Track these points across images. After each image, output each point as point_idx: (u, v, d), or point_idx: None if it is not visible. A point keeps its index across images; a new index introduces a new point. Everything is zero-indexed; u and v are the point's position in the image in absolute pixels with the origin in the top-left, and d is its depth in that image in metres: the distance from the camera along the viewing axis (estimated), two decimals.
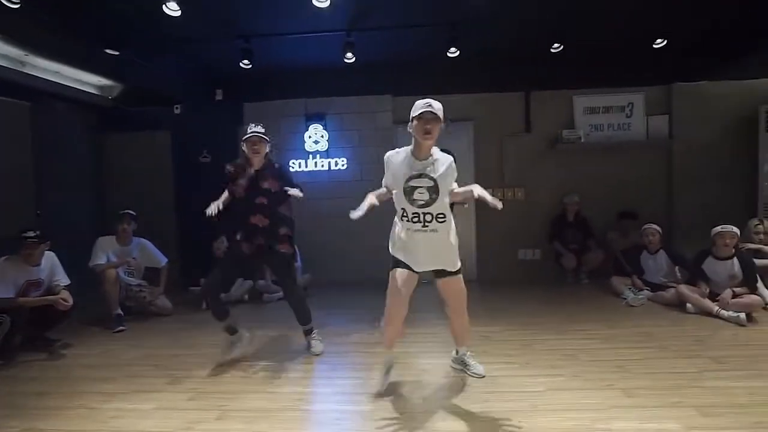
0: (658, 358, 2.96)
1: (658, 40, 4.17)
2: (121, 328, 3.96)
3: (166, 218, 5.59)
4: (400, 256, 2.47)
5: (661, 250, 4.40)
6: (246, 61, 4.35)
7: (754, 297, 3.65)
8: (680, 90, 5.32)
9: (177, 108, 5.57)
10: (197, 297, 4.68)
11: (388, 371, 2.67)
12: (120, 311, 4.08)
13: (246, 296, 4.91)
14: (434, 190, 2.30)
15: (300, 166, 5.52)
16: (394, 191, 2.42)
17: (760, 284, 3.87)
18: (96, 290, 4.12)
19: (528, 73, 5.26)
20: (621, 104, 5.39)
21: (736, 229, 3.85)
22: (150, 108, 5.59)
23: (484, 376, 2.70)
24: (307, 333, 3.34)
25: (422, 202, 2.31)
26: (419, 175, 2.31)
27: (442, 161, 2.36)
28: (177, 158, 5.65)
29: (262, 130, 3.00)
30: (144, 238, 4.53)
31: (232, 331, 3.23)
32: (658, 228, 4.43)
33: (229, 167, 3.15)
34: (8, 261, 3.38)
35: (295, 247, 5.10)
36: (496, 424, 2.22)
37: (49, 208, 4.86)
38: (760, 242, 4.14)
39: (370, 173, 5.45)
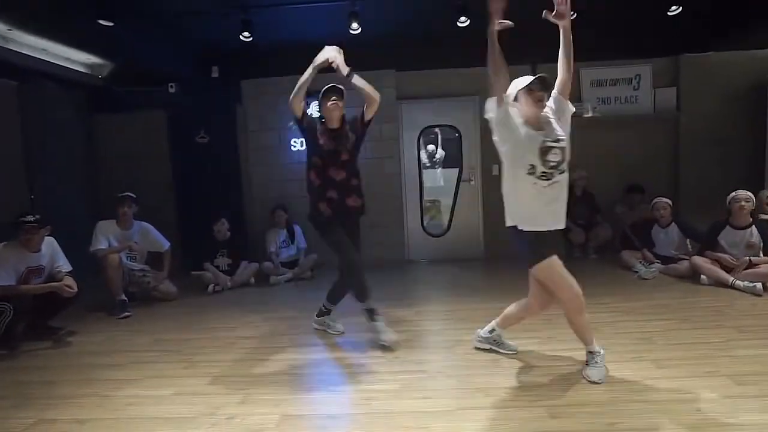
0: (681, 329, 2.94)
1: (673, 7, 4.05)
2: (126, 314, 3.83)
3: (164, 201, 5.41)
4: (536, 221, 2.27)
5: (673, 223, 4.37)
6: (246, 33, 4.15)
7: None
8: (687, 61, 5.24)
9: (172, 87, 5.35)
10: (199, 280, 4.57)
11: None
12: (124, 297, 3.95)
13: (252, 279, 4.81)
14: (564, 151, 2.23)
15: (302, 145, 5.35)
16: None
17: None
18: (96, 276, 3.97)
19: (534, 45, 5.10)
20: (628, 76, 5.30)
21: (749, 193, 3.82)
22: (143, 87, 5.35)
23: (516, 351, 2.66)
24: (371, 315, 2.96)
25: (554, 164, 2.21)
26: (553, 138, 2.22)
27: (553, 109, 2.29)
28: (173, 139, 5.45)
29: (339, 94, 2.93)
30: (145, 221, 4.38)
31: (372, 315, 2.93)
32: (669, 201, 4.40)
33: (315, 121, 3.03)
34: (7, 247, 3.22)
35: (298, 226, 5.05)
36: (532, 398, 2.17)
37: (41, 192, 4.65)
38: None
39: (374, 151, 5.32)
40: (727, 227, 3.89)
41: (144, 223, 4.31)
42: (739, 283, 3.63)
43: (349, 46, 4.94)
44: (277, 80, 5.35)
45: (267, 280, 4.77)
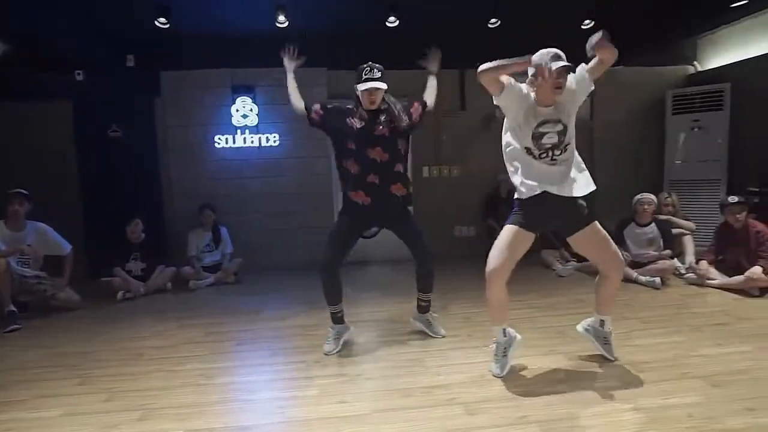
0: None
1: (587, 21, 4.33)
2: (14, 326, 3.39)
3: (70, 200, 4.89)
4: (533, 182, 2.23)
5: None
6: (163, 20, 3.85)
7: (667, 262, 3.98)
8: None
9: (79, 74, 4.86)
10: (109, 286, 4.19)
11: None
12: (13, 308, 3.50)
13: (169, 284, 4.47)
14: (564, 133, 2.22)
15: (227, 142, 5.09)
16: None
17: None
18: None
19: (463, 51, 5.25)
20: None
21: (652, 196, 4.18)
22: (45, 74, 4.80)
23: (616, 359, 2.45)
24: (426, 308, 2.90)
25: (549, 146, 2.20)
26: (545, 122, 2.19)
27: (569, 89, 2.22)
28: (80, 132, 4.95)
29: (379, 74, 2.61)
30: (43, 222, 3.92)
31: (339, 320, 2.79)
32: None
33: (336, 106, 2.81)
34: None
35: (224, 229, 4.79)
36: (450, 396, 2.17)
37: None
38: (669, 214, 4.53)
39: (304, 150, 5.18)
40: (632, 224, 4.22)
41: (39, 224, 3.87)
42: (641, 278, 3.93)
43: (280, 43, 4.84)
44: (202, 73, 5.06)
45: (186, 286, 4.46)
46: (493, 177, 5.39)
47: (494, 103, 2.28)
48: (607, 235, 2.35)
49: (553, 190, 2.22)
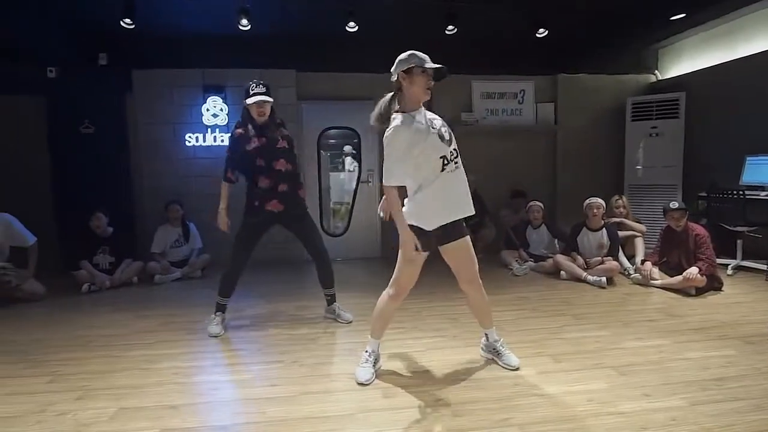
0: (529, 317, 3.26)
1: (541, 30, 4.49)
2: None
3: (40, 194, 4.98)
4: (426, 224, 2.18)
5: (543, 225, 4.82)
6: (128, 20, 3.97)
7: (613, 263, 4.14)
8: (564, 81, 5.83)
9: (51, 71, 4.95)
10: (76, 279, 4.27)
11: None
12: None
13: (135, 278, 4.56)
14: (449, 142, 2.20)
15: (197, 141, 5.21)
16: (417, 157, 2.13)
17: (621, 253, 4.42)
18: None
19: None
20: (514, 90, 5.78)
21: (601, 201, 4.34)
22: (17, 70, 4.90)
23: (518, 369, 2.39)
24: (331, 300, 3.32)
25: (447, 138, 2.18)
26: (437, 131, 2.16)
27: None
28: (53, 128, 5.05)
29: (264, 89, 2.89)
30: (12, 215, 4.01)
31: (223, 308, 3.17)
32: (541, 205, 4.85)
33: (236, 131, 3.00)
34: None
35: (192, 225, 4.90)
36: (379, 381, 2.30)
37: None
38: (620, 215, 4.70)
39: None
40: (584, 229, 4.39)
41: (4, 215, 3.96)
42: (589, 277, 4.09)
43: (250, 44, 4.98)
44: (171, 72, 5.18)
45: (152, 280, 4.56)
46: None
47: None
48: (474, 255, 2.36)
49: (459, 215, 2.23)
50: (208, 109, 5.18)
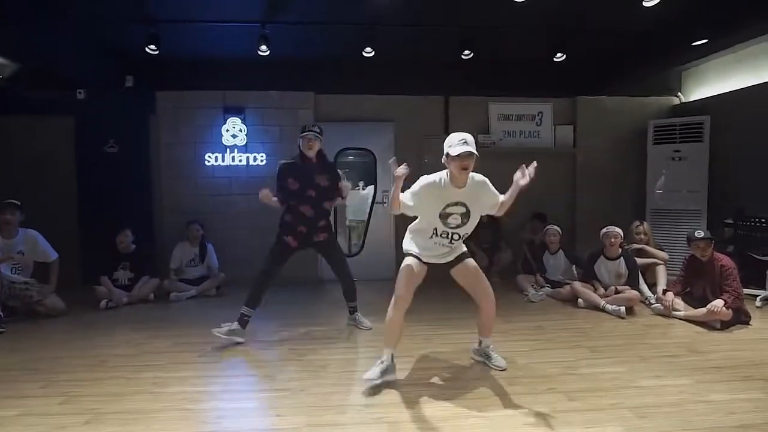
0: (544, 349, 3.17)
1: (558, 54, 4.47)
2: None
3: (67, 210, 5.16)
4: (417, 251, 2.69)
5: (561, 250, 4.72)
6: (152, 47, 4.12)
7: (633, 292, 4.01)
8: (583, 103, 5.76)
9: (80, 93, 5.16)
10: (94, 295, 4.37)
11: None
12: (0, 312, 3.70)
13: (152, 295, 4.65)
14: (467, 216, 2.59)
15: (216, 161, 5.32)
16: (418, 210, 2.61)
17: (641, 281, 4.28)
18: None
19: (448, 78, 5.45)
20: (532, 113, 5.74)
21: (618, 230, 4.23)
22: (49, 91, 5.12)
23: (505, 369, 2.77)
24: (353, 311, 3.69)
25: (454, 225, 2.59)
26: (457, 203, 2.55)
27: (478, 186, 2.60)
28: (80, 147, 5.24)
29: (318, 130, 3.38)
30: (40, 231, 4.16)
31: (244, 324, 3.37)
32: (559, 229, 4.76)
33: (284, 165, 3.43)
34: None
35: (210, 245, 4.98)
36: (385, 414, 2.26)
37: None
38: (641, 242, 4.57)
39: None
40: (601, 257, 4.28)
41: (30, 231, 4.10)
42: (608, 306, 3.97)
43: (269, 67, 5.10)
44: (193, 94, 5.33)
45: (167, 297, 4.63)
46: None
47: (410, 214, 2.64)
48: (482, 273, 2.77)
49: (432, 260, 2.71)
50: (227, 130, 5.30)
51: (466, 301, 2.90)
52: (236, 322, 3.32)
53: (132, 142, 5.27)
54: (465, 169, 2.46)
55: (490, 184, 2.66)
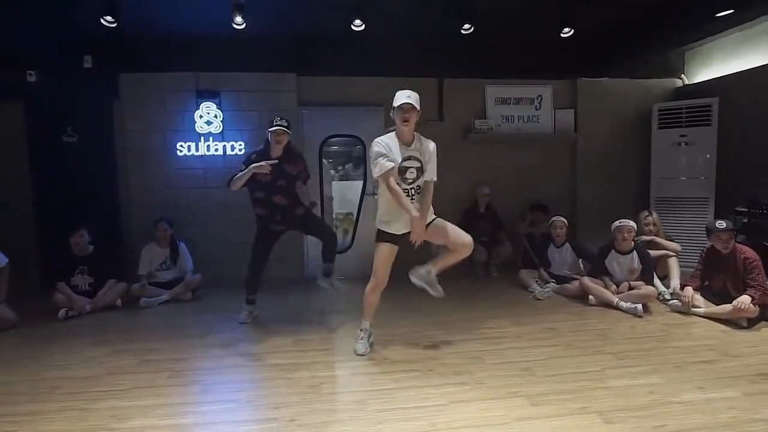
0: (564, 357, 2.83)
1: (565, 29, 4.09)
2: None
3: (20, 209, 4.58)
4: (388, 228, 2.80)
5: (567, 243, 4.40)
6: (109, 18, 3.57)
7: (649, 288, 3.71)
8: (584, 85, 5.43)
9: (31, 74, 4.56)
10: (54, 304, 3.87)
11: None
12: None
13: (119, 301, 4.15)
14: (420, 170, 2.76)
15: (189, 150, 4.80)
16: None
17: (655, 277, 3.99)
18: None
19: (442, 59, 5.03)
20: (531, 96, 5.37)
21: (632, 224, 3.92)
22: None
23: (443, 296, 2.90)
24: (327, 274, 3.60)
25: (410, 180, 2.75)
26: (409, 157, 2.72)
27: (426, 146, 2.79)
28: (33, 136, 4.65)
29: (286, 124, 3.39)
30: None
31: (252, 302, 3.67)
32: (565, 221, 4.43)
33: (252, 154, 3.45)
34: None
35: (183, 244, 4.50)
36: None
37: None
38: (650, 233, 4.27)
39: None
40: (613, 251, 3.97)
41: None
42: (622, 304, 3.66)
43: (247, 46, 4.59)
44: (162, 76, 4.78)
45: (137, 303, 4.14)
46: (471, 191, 5.14)
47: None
48: (451, 225, 2.86)
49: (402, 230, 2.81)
50: (201, 116, 4.78)
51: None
52: (245, 305, 3.66)
53: (93, 130, 4.69)
54: (406, 121, 2.65)
55: (435, 158, 2.80)
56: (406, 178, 2.73)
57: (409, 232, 2.76)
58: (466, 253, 2.82)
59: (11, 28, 4.14)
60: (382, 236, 2.81)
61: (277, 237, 3.59)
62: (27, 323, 3.66)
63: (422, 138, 2.80)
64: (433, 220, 2.86)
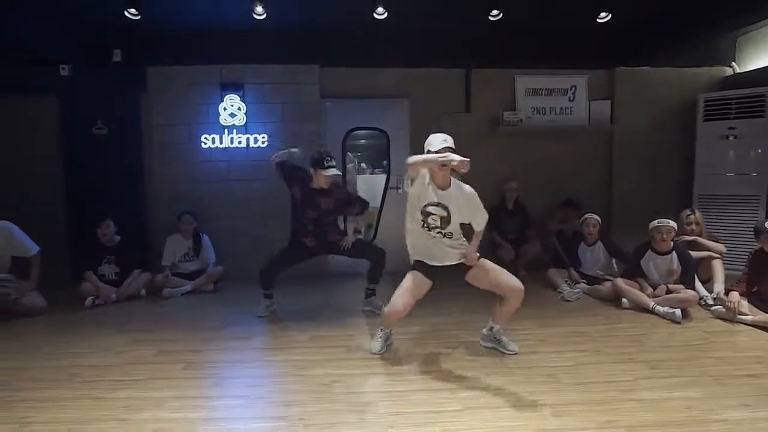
0: (592, 363, 2.65)
1: (602, 14, 3.83)
2: None
3: (53, 200, 4.73)
4: (420, 257, 2.70)
5: (599, 242, 4.16)
6: (133, 10, 3.60)
7: (690, 292, 3.45)
8: (622, 75, 5.11)
9: (64, 69, 4.69)
10: (81, 292, 3.97)
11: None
12: None
13: (143, 291, 4.23)
14: (446, 221, 2.59)
15: (213, 143, 4.83)
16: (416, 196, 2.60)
17: (696, 280, 3.71)
18: None
19: (469, 49, 4.84)
20: (564, 87, 5.11)
21: (673, 223, 3.64)
22: (28, 68, 4.63)
23: (517, 353, 2.73)
24: (369, 294, 3.62)
25: (433, 225, 2.61)
26: (437, 204, 2.56)
27: (464, 195, 2.62)
28: (66, 129, 4.78)
29: (334, 164, 3.37)
30: (23, 224, 3.75)
31: (269, 296, 3.63)
32: (598, 218, 4.19)
33: (298, 170, 3.46)
34: None
35: (206, 237, 4.53)
36: None
37: None
38: (692, 233, 3.97)
39: None
40: (649, 251, 3.71)
41: (4, 223, 3.67)
42: (659, 308, 3.42)
43: (270, 38, 4.56)
44: (190, 69, 4.81)
45: (160, 293, 4.20)
46: (499, 186, 4.94)
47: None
48: (496, 267, 2.72)
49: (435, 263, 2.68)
50: (225, 109, 4.79)
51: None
52: (263, 299, 3.61)
53: (121, 122, 4.79)
54: (444, 165, 2.46)
55: (479, 202, 2.67)
56: (429, 223, 2.60)
57: (443, 267, 2.66)
58: (517, 299, 2.66)
59: (44, 24, 4.26)
60: (414, 265, 2.72)
61: (307, 253, 3.55)
62: (56, 311, 3.77)
63: (462, 185, 2.62)
64: (479, 259, 2.71)
